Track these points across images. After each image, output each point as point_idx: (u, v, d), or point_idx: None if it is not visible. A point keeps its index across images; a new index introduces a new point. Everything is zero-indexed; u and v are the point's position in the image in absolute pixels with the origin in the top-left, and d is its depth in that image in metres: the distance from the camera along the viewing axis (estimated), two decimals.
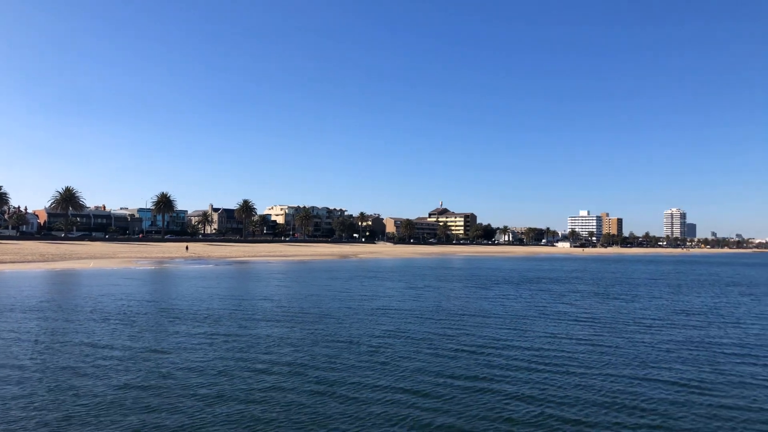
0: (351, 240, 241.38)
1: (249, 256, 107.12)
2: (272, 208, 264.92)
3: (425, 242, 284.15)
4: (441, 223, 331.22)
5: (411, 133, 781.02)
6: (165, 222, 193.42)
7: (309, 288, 45.06)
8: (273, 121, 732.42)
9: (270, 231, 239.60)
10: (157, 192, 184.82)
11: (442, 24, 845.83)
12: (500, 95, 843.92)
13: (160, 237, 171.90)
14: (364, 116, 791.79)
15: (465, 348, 21.16)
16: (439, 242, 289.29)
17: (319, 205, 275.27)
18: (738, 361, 19.62)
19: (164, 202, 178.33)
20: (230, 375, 16.36)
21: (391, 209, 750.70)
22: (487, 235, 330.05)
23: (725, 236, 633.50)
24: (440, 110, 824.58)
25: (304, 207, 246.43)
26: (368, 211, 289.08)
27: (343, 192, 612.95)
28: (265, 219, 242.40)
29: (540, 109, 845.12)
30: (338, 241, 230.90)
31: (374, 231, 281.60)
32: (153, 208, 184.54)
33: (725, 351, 21.34)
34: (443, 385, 15.65)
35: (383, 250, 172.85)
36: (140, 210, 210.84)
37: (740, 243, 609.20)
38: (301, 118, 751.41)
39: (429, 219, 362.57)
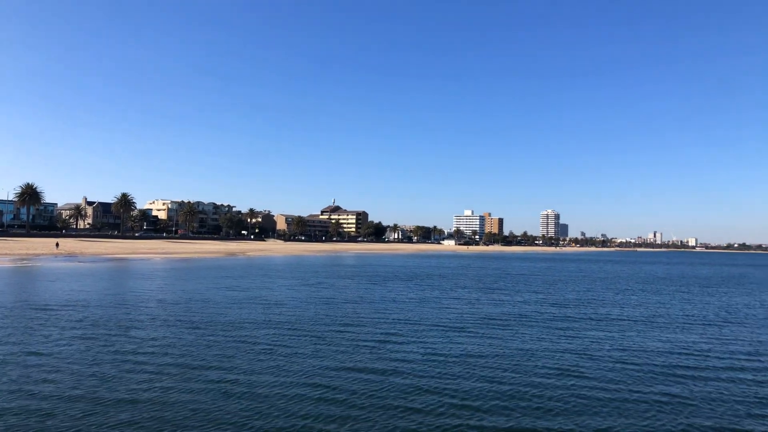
0: (239, 237, 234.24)
1: (128, 253, 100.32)
2: (153, 202, 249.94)
3: (317, 240, 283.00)
4: (333, 221, 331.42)
5: (305, 131, 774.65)
6: (30, 215, 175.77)
7: (194, 287, 43.08)
8: (156, 113, 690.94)
9: (151, 227, 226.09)
10: (22, 182, 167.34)
11: (318, 20, 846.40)
12: (391, 96, 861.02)
13: (24, 232, 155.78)
14: (255, 113, 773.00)
15: (362, 341, 21.39)
16: (331, 240, 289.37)
17: (206, 201, 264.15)
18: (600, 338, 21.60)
19: (29, 194, 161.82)
20: (108, 379, 15.25)
21: (283, 206, 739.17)
22: (378, 232, 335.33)
23: (592, 236, 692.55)
24: (333, 109, 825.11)
25: (189, 202, 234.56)
26: (258, 208, 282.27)
27: (231, 188, 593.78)
28: (146, 214, 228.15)
29: (429, 111, 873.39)
30: (225, 238, 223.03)
31: (264, 228, 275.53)
32: (16, 200, 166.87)
33: (595, 335, 23.44)
34: (339, 378, 15.72)
35: (274, 247, 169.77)
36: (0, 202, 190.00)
37: (604, 242, 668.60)
38: (188, 111, 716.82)
39: (321, 216, 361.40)
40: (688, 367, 18.95)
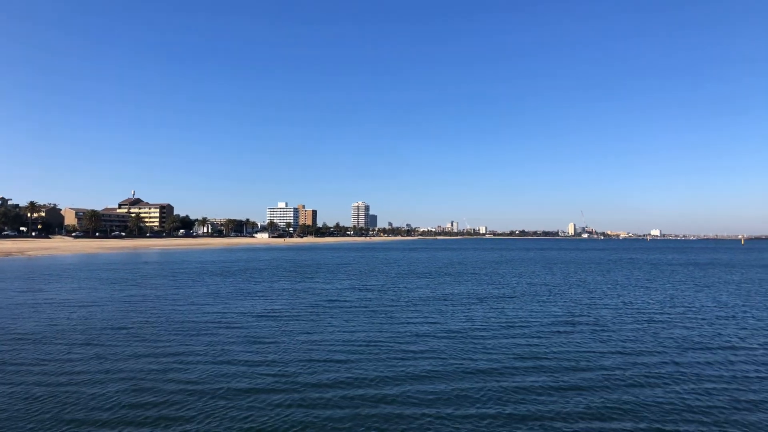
0: (18, 235, 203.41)
1: None
2: None
3: (115, 236, 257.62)
4: (133, 215, 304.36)
5: (98, 116, 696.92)
6: None
7: None
8: None
9: None
10: None
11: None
12: (194, 85, 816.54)
13: None
14: (34, 88, 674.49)
15: (176, 335, 20.08)
16: (131, 235, 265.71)
17: None
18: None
19: None
20: None
21: (73, 199, 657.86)
22: (185, 226, 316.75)
23: (399, 225, 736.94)
24: (133, 96, 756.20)
25: None
26: (41, 201, 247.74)
27: (7, 179, 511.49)
28: None
29: (237, 102, 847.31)
30: None
31: (49, 224, 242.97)
32: None
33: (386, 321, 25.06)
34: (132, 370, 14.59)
35: (61, 245, 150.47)
36: None
37: (409, 231, 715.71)
38: None
39: (119, 210, 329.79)
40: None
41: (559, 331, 24.14)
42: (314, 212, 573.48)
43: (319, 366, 17.62)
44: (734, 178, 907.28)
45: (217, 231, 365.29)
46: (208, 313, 28.78)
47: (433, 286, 45.42)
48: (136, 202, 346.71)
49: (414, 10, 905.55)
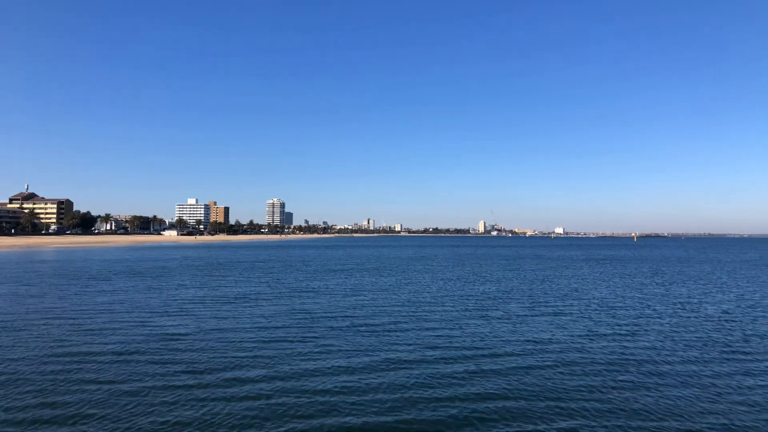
0: None
1: None
2: None
3: (5, 233, 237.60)
4: (27, 211, 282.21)
5: None
6: None
7: None
8: None
9: None
10: None
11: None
12: (100, 75, 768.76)
13: None
14: None
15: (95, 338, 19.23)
16: (25, 233, 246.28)
17: None
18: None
19: None
20: None
21: None
22: (86, 223, 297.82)
23: (315, 223, 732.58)
24: (23, 86, 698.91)
25: None
26: None
27: None
28: None
29: (145, 92, 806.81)
30: None
31: None
32: None
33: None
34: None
35: None
36: None
37: (326, 229, 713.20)
38: None
39: (10, 205, 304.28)
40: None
41: (467, 323, 25.45)
42: (226, 209, 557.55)
43: (231, 361, 17.62)
44: (628, 180, 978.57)
45: (122, 228, 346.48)
46: (117, 312, 27.69)
47: (350, 282, 46.00)
48: (30, 197, 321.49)
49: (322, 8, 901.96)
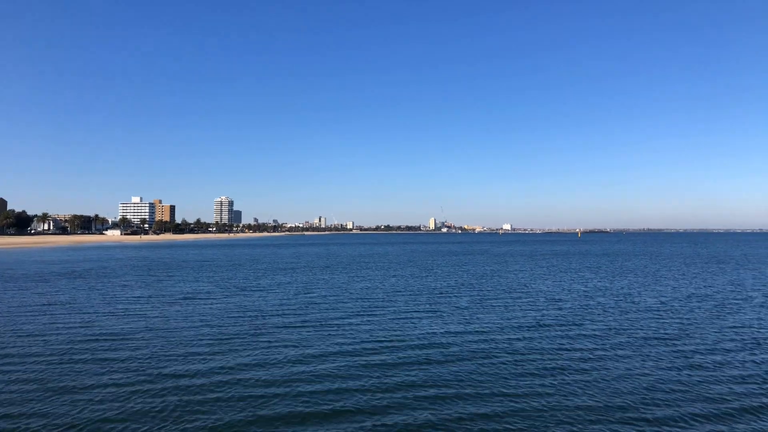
0: None
1: None
2: None
3: None
4: None
5: None
6: None
7: None
8: None
9: None
10: None
11: None
12: (25, 64, 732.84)
13: None
14: None
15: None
16: None
17: None
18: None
19: None
20: None
21: None
22: (21, 223, 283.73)
23: (265, 221, 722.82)
24: None
25: None
26: None
27: None
28: None
29: (84, 89, 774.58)
30: None
31: None
32: None
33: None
34: None
35: None
36: None
37: (276, 227, 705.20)
38: None
39: None
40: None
41: (419, 317, 25.85)
42: (172, 207, 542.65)
43: (176, 357, 17.32)
44: (572, 178, 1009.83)
45: (61, 228, 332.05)
46: (57, 314, 26.64)
47: (299, 281, 45.77)
48: None
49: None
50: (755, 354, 18.79)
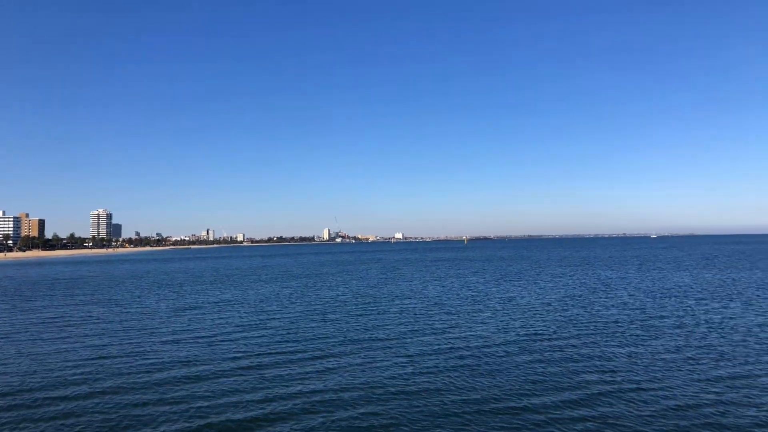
0: None
1: None
2: None
3: None
4: None
5: None
6: None
7: None
8: None
9: None
10: None
11: None
12: None
13: None
14: None
15: None
16: None
17: None
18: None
19: None
20: None
21: None
22: None
23: (148, 235, 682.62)
24: None
25: None
26: None
27: None
28: None
29: None
30: None
31: None
32: None
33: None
34: None
35: None
36: None
37: (159, 241, 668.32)
38: None
39: None
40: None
41: (308, 326, 25.81)
42: (41, 222, 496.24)
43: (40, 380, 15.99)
44: (457, 187, 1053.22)
45: None
46: None
47: (179, 296, 43.83)
48: None
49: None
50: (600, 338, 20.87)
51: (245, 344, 22.15)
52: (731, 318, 26.86)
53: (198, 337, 23.94)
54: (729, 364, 17.59)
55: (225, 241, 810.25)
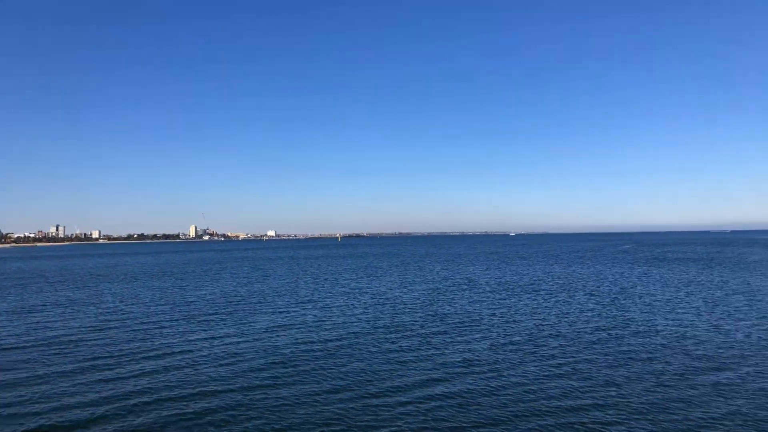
0: None
1: None
2: None
3: None
4: None
5: None
6: None
7: None
8: None
9: None
10: None
11: None
12: None
13: None
14: None
15: None
16: None
17: None
18: None
19: None
20: None
21: None
22: None
23: None
24: None
25: None
26: None
27: None
28: None
29: None
30: None
31: None
32: None
33: None
34: None
35: None
36: None
37: (2, 239, 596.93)
38: None
39: None
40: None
41: (205, 321, 25.22)
42: None
43: None
44: (331, 185, 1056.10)
45: None
46: None
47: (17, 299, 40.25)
48: None
49: None
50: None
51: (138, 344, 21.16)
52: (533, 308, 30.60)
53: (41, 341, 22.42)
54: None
55: (78, 238, 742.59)
